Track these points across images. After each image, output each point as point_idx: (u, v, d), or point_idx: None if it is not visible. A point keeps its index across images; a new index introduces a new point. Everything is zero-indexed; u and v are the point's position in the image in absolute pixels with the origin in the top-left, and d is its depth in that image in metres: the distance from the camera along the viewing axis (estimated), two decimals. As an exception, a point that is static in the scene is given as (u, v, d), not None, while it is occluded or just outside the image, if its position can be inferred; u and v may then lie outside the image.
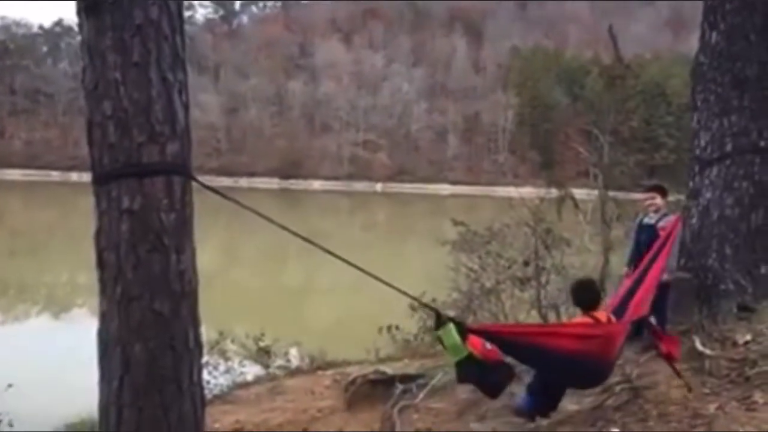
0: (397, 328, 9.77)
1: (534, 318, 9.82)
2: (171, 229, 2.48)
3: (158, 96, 2.44)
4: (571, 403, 4.62)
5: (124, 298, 2.45)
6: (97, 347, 2.55)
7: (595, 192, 13.78)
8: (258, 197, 47.37)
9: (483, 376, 3.82)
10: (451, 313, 5.90)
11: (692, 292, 5.48)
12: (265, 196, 59.44)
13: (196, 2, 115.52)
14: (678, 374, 4.49)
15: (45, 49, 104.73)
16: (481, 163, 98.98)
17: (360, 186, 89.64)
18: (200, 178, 2.61)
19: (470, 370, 3.70)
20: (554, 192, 12.58)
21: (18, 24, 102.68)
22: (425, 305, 4.18)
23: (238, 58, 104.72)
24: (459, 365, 3.69)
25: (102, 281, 2.51)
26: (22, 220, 47.65)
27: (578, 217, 13.03)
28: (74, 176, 75.73)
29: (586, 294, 4.41)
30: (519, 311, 10.20)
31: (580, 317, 4.38)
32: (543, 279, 10.27)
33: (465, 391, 5.48)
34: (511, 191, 18.00)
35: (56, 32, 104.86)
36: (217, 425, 6.15)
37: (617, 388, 4.58)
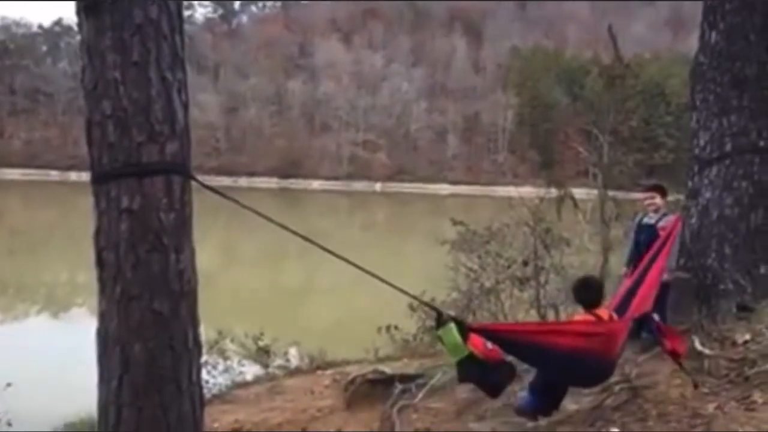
0: (396, 327, 9.78)
1: (533, 317, 9.82)
2: (170, 228, 2.48)
3: (157, 95, 2.44)
4: (570, 403, 4.62)
5: (124, 297, 2.45)
6: (96, 347, 2.55)
7: (595, 191, 13.80)
8: (257, 197, 47.33)
9: (484, 376, 3.80)
10: (451, 313, 5.91)
11: (691, 292, 5.48)
12: (265, 196, 59.44)
13: (195, 2, 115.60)
14: (684, 370, 4.49)
15: (44, 48, 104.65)
16: (480, 162, 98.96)
17: (359, 186, 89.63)
18: (200, 177, 2.61)
19: (471, 369, 3.68)
20: (554, 192, 12.59)
21: (17, 23, 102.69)
22: (426, 304, 4.18)
23: (238, 57, 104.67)
24: (460, 365, 3.68)
25: (101, 281, 2.51)
26: (21, 219, 47.64)
27: (577, 217, 13.05)
28: (73, 176, 75.70)
29: (588, 292, 4.39)
30: (518, 311, 10.21)
31: (582, 315, 4.36)
32: (542, 279, 10.28)
33: (464, 391, 5.48)
34: (511, 191, 17.99)
35: (56, 32, 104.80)
36: (216, 425, 6.15)
37: (616, 388, 4.58)
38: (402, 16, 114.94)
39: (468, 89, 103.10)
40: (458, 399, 5.56)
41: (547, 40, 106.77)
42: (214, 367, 9.07)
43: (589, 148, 15.75)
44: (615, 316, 4.36)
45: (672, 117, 73.66)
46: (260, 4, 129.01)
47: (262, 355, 9.44)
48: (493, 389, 4.09)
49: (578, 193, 13.49)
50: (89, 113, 2.47)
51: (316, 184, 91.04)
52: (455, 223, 10.85)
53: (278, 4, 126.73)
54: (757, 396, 4.04)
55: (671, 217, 5.78)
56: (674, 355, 4.48)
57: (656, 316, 4.65)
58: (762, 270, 5.46)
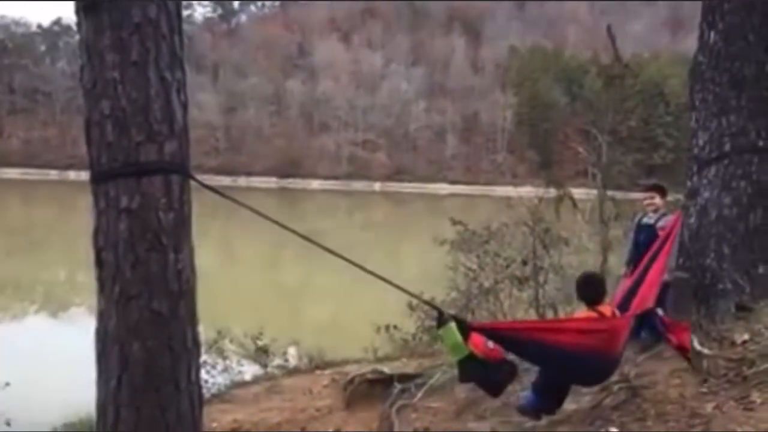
0: (395, 327, 9.78)
1: (532, 317, 9.83)
2: (169, 228, 2.47)
3: (156, 95, 2.44)
4: (569, 403, 4.62)
5: (122, 297, 2.45)
6: (94, 346, 2.55)
7: (594, 191, 13.80)
8: (256, 196, 47.35)
9: (485, 375, 3.77)
10: (452, 312, 5.91)
11: (690, 292, 5.48)
12: (264, 196, 59.45)
13: (194, 1, 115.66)
14: (691, 365, 4.49)
15: (43, 48, 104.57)
16: (479, 162, 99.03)
17: (358, 185, 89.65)
18: (199, 177, 2.61)
19: (472, 369, 3.66)
20: (553, 191, 12.60)
21: (16, 23, 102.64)
22: (427, 303, 4.16)
23: (237, 57, 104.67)
24: (461, 364, 3.66)
25: (100, 280, 2.50)
26: (20, 218, 47.61)
27: (576, 217, 13.05)
28: (72, 175, 75.69)
29: (591, 288, 4.36)
30: (517, 310, 10.21)
31: (584, 312, 4.34)
32: (541, 278, 10.29)
33: (463, 391, 5.48)
34: (510, 191, 18.03)
35: (55, 31, 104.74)
36: (215, 425, 6.14)
37: (615, 388, 4.58)
38: (401, 16, 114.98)
39: (467, 89, 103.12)
40: (457, 398, 5.56)
41: (546, 39, 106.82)
42: (213, 367, 9.07)
43: (588, 147, 15.75)
44: (618, 313, 4.35)
45: (671, 117, 73.79)
46: (259, 3, 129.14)
47: (261, 354, 9.44)
48: (495, 389, 4.07)
49: (577, 192, 13.50)
50: (88, 113, 2.47)
51: (315, 183, 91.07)
52: (454, 222, 10.86)
53: (277, 3, 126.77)
54: (756, 396, 4.04)
55: (670, 217, 5.79)
56: (681, 350, 4.46)
57: (660, 311, 4.64)
58: (761, 270, 5.46)
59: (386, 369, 6.64)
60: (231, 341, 10.10)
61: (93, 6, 2.41)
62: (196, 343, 2.62)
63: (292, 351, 10.40)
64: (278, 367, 9.07)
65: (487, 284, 10.43)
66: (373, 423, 5.86)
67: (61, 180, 78.34)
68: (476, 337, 3.56)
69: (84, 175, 2.64)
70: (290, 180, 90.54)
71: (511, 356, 3.88)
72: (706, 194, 5.65)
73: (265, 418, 6.33)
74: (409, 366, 6.84)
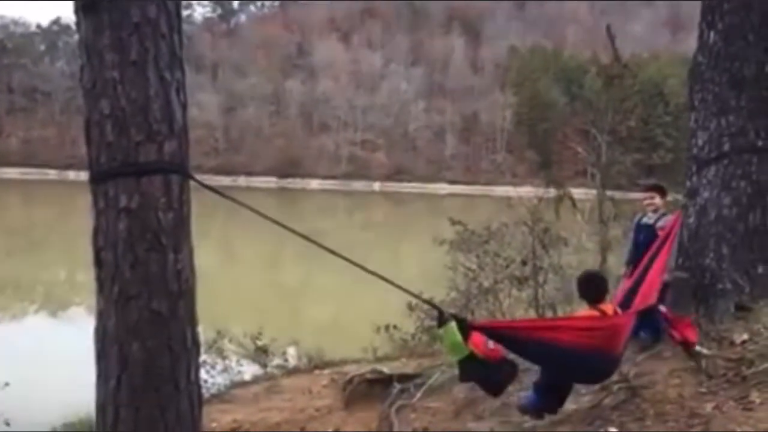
0: (394, 327, 9.79)
1: (531, 317, 9.83)
2: (168, 228, 2.47)
3: (156, 95, 2.44)
4: (568, 402, 4.62)
5: (122, 297, 2.45)
6: (94, 346, 2.54)
7: (593, 191, 13.82)
8: (256, 196, 47.33)
9: (486, 375, 3.76)
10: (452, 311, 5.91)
11: (689, 292, 5.48)
12: (263, 195, 59.43)
13: (194, 1, 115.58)
14: (695, 359, 4.48)
15: (42, 47, 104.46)
16: (479, 162, 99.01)
17: (358, 185, 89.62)
18: (198, 177, 2.61)
19: (473, 369, 3.65)
20: (552, 191, 12.61)
21: (16, 23, 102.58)
22: (427, 302, 4.14)
23: (236, 57, 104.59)
24: (461, 364, 3.65)
25: (99, 280, 2.50)
26: (19, 218, 47.59)
27: (576, 217, 13.07)
28: (72, 175, 75.64)
29: (593, 286, 4.34)
30: (516, 310, 10.22)
31: (586, 310, 4.33)
32: (541, 278, 10.30)
33: (462, 390, 5.48)
34: (509, 191, 18.03)
35: (54, 31, 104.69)
36: (214, 424, 6.14)
37: (615, 388, 4.58)
38: (400, 16, 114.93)
39: (466, 89, 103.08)
40: (456, 398, 5.56)
41: (545, 39, 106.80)
42: (213, 367, 9.08)
43: (588, 148, 15.76)
44: (619, 311, 4.34)
45: (670, 117, 73.78)
46: (259, 3, 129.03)
47: (260, 354, 9.44)
48: (495, 389, 4.05)
49: (577, 192, 13.52)
50: (87, 112, 2.47)
51: (314, 183, 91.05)
52: (454, 222, 10.86)
53: (276, 3, 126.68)
54: (755, 396, 4.04)
55: (670, 217, 5.79)
56: (686, 344, 4.45)
57: (662, 307, 4.64)
58: (760, 270, 5.46)
59: (385, 369, 6.64)
60: (230, 341, 10.10)
61: (92, 6, 2.41)
62: (196, 343, 2.62)
63: (291, 351, 10.40)
64: (278, 367, 9.07)
65: (486, 284, 10.43)
66: (372, 423, 5.86)
67: (60, 180, 78.31)
68: (476, 337, 3.55)
69: (83, 175, 2.64)
70: (290, 180, 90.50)
71: (511, 356, 3.87)
72: (706, 194, 5.65)
73: (264, 417, 6.33)
74: (408, 366, 6.84)
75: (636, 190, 7.16)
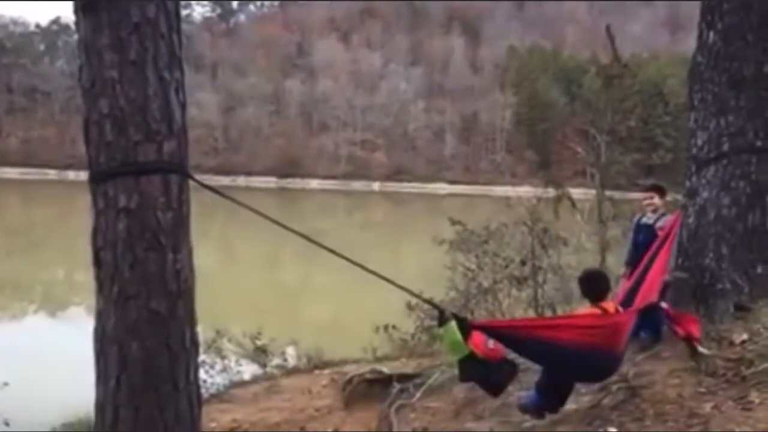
0: (394, 327, 9.78)
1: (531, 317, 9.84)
2: (168, 227, 2.47)
3: (155, 95, 2.44)
4: (568, 402, 4.61)
5: (121, 296, 2.45)
6: (93, 346, 2.54)
7: (592, 191, 13.83)
8: (255, 196, 47.33)
9: (486, 375, 3.73)
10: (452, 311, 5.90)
11: (689, 292, 5.48)
12: (263, 195, 59.41)
13: (193, 1, 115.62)
14: (700, 354, 4.48)
15: (42, 47, 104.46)
16: (478, 162, 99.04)
17: (357, 185, 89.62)
18: (197, 176, 2.61)
19: (473, 368, 3.63)
20: (551, 191, 12.62)
21: (15, 22, 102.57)
22: (428, 302, 4.14)
23: (236, 56, 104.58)
24: (461, 364, 3.63)
25: (98, 280, 2.50)
26: (19, 218, 47.56)
27: (575, 217, 13.08)
28: (71, 175, 75.60)
29: (594, 284, 4.32)
30: (516, 310, 10.22)
31: (587, 308, 4.32)
32: (540, 278, 10.30)
33: (462, 390, 5.48)
34: (509, 191, 18.06)
35: (53, 30, 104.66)
36: (213, 424, 6.14)
37: (614, 387, 4.58)
38: (400, 16, 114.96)
39: (466, 89, 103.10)
40: (456, 398, 5.56)
41: (544, 39, 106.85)
42: (212, 367, 9.07)
43: (587, 147, 15.77)
44: (621, 310, 4.33)
45: (670, 117, 73.79)
46: (258, 3, 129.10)
47: (259, 354, 9.43)
48: (495, 388, 4.04)
49: (576, 192, 13.53)
50: (87, 112, 2.47)
51: (314, 183, 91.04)
52: (453, 222, 10.86)
53: (276, 3, 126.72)
54: (754, 396, 4.04)
55: (669, 217, 5.79)
56: (690, 340, 4.43)
57: (664, 304, 4.63)
58: (759, 270, 5.46)
59: (385, 369, 6.63)
60: (230, 341, 10.09)
61: (91, 5, 2.41)
62: (195, 343, 2.62)
63: (290, 351, 10.39)
64: (277, 366, 9.06)
65: (485, 284, 10.44)
66: (371, 423, 5.85)
67: (59, 179, 78.27)
68: (477, 337, 3.54)
69: (83, 175, 2.64)
70: (289, 180, 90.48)
71: (511, 356, 3.87)
72: (705, 194, 5.65)
73: (263, 417, 6.33)
74: (407, 366, 6.84)
75: (635, 190, 7.17)
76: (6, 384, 7.84)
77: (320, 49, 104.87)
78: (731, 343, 4.71)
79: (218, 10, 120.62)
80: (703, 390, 4.30)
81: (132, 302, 2.44)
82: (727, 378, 4.33)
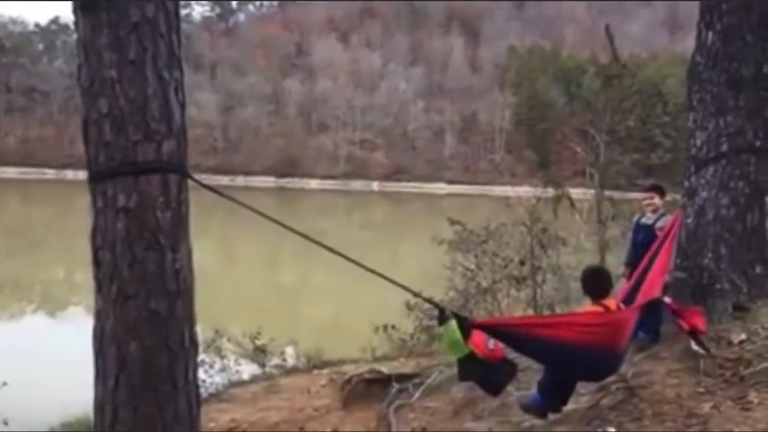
0: (393, 327, 9.78)
1: (530, 317, 9.84)
2: (167, 227, 2.47)
3: (154, 94, 2.44)
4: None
5: (120, 296, 2.44)
6: (92, 346, 2.54)
7: (592, 191, 13.83)
8: (254, 196, 47.30)
9: (485, 375, 3.71)
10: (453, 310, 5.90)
11: (688, 292, 5.49)
12: (262, 195, 59.39)
13: (193, 1, 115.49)
14: (704, 348, 4.48)
15: (41, 47, 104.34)
16: (478, 162, 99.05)
17: (357, 185, 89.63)
18: (196, 176, 2.61)
19: (472, 368, 3.62)
20: (551, 191, 12.61)
21: (14, 22, 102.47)
22: (428, 301, 4.13)
23: (235, 56, 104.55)
24: (460, 363, 3.62)
25: (97, 279, 2.50)
26: (17, 218, 47.54)
27: (574, 217, 13.08)
28: (70, 174, 75.59)
29: (596, 282, 4.30)
30: (515, 310, 10.23)
31: (589, 306, 4.30)
32: (539, 278, 10.31)
33: (461, 390, 5.48)
34: (508, 191, 18.03)
35: (52, 30, 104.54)
36: (212, 424, 6.14)
37: (613, 388, 4.59)
38: (399, 16, 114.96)
39: (465, 89, 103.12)
40: (455, 398, 5.56)
41: (544, 39, 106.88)
42: (211, 366, 9.07)
43: (586, 147, 15.77)
44: (622, 307, 4.32)
45: (669, 117, 73.74)
46: (257, 3, 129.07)
47: (258, 354, 9.43)
48: (494, 388, 4.03)
49: (575, 192, 13.52)
50: (86, 112, 2.46)
51: (313, 183, 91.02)
52: (452, 222, 10.87)
53: (275, 3, 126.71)
54: (753, 395, 4.05)
55: (669, 218, 5.79)
56: (695, 333, 4.43)
57: (667, 299, 4.62)
58: (758, 270, 5.47)
59: (384, 369, 6.64)
60: (229, 340, 10.09)
61: (91, 5, 2.41)
62: (194, 343, 2.62)
63: (289, 350, 10.39)
64: (276, 366, 9.06)
65: (485, 284, 10.45)
66: (370, 422, 5.86)
67: (58, 179, 78.25)
68: (477, 337, 3.53)
69: (81, 175, 2.63)
70: (288, 179, 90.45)
71: (511, 356, 3.86)
72: (704, 194, 5.65)
73: (263, 417, 6.33)
74: (406, 366, 6.84)
75: (635, 190, 7.17)
76: (5, 384, 7.83)
77: (319, 49, 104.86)
78: (730, 343, 4.71)
79: (217, 10, 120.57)
80: (701, 390, 4.30)
81: (131, 302, 2.44)
82: (726, 378, 4.33)
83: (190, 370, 2.59)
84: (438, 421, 5.39)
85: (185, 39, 2.94)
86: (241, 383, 7.83)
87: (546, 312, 9.89)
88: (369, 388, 6.38)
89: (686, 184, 5.88)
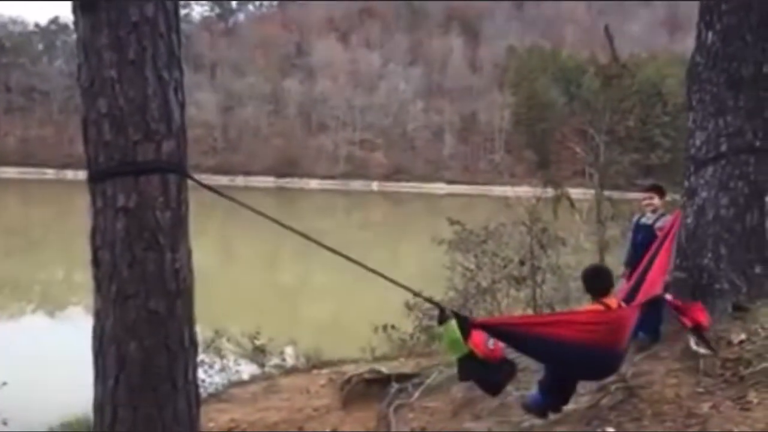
0: (392, 327, 9.79)
1: (530, 317, 9.83)
2: (166, 227, 2.47)
3: (154, 94, 2.44)
4: (566, 402, 4.63)
5: (120, 296, 2.44)
6: (91, 345, 2.54)
7: (591, 191, 13.84)
8: (254, 196, 47.30)
9: (485, 375, 3.70)
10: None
11: (687, 292, 5.49)
12: (262, 195, 59.38)
13: (192, 1, 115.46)
14: (707, 343, 4.48)
15: (41, 46, 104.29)
16: (477, 162, 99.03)
17: (356, 185, 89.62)
18: (196, 176, 2.60)
19: (472, 368, 3.60)
20: (550, 191, 12.62)
21: (14, 22, 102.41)
22: (428, 300, 4.13)
23: (235, 56, 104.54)
24: (460, 362, 3.60)
25: (97, 279, 2.50)
26: (17, 217, 47.52)
27: (574, 217, 13.08)
28: (69, 174, 75.55)
29: (598, 281, 4.30)
30: (515, 310, 10.23)
31: (590, 304, 4.30)
32: (539, 278, 10.31)
33: (460, 390, 5.48)
34: (508, 191, 18.03)
35: (52, 30, 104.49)
36: (212, 424, 6.14)
37: (612, 388, 4.59)
38: (399, 16, 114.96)
39: (465, 89, 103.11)
40: (454, 398, 5.56)
41: (543, 39, 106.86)
42: (211, 366, 9.07)
43: (586, 147, 15.78)
44: (623, 305, 4.31)
45: (668, 117, 73.70)
46: (257, 3, 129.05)
47: (258, 354, 9.44)
48: (494, 388, 4.02)
49: (575, 192, 13.53)
50: (85, 111, 2.46)
51: (313, 183, 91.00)
52: (452, 222, 10.87)
53: (275, 3, 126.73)
54: (753, 396, 4.05)
55: (669, 218, 5.79)
56: (698, 328, 4.43)
57: (668, 296, 4.62)
58: (757, 270, 5.47)
59: (383, 368, 6.64)
60: (228, 340, 10.09)
61: (90, 5, 2.41)
62: (193, 343, 2.62)
63: (289, 350, 10.39)
64: (275, 366, 9.06)
65: (484, 284, 10.45)
66: (370, 422, 5.86)
67: (58, 179, 78.22)
68: (477, 337, 3.52)
69: (81, 174, 2.64)
70: (288, 179, 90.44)
71: (511, 355, 3.85)
72: (704, 194, 5.66)
73: (262, 417, 6.33)
74: (406, 366, 6.84)
75: (634, 190, 7.17)
76: (4, 383, 7.83)
77: (319, 49, 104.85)
78: (729, 343, 4.71)
79: (217, 10, 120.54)
80: (701, 390, 4.31)
81: (131, 302, 2.44)
82: (725, 378, 4.34)
83: (189, 370, 2.59)
84: (437, 421, 5.39)
85: (185, 39, 2.94)
86: (241, 383, 7.84)
87: (546, 311, 9.89)
88: (368, 388, 6.38)
89: (686, 184, 5.89)
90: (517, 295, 10.55)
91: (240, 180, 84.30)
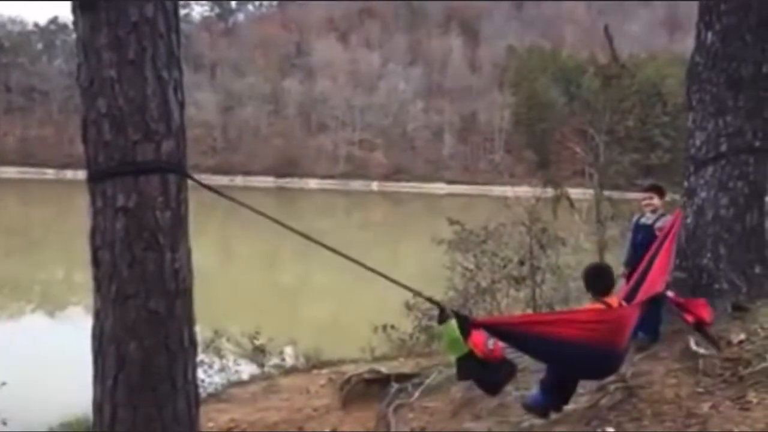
0: (392, 327, 9.79)
1: (529, 317, 9.83)
2: (166, 227, 2.47)
3: (153, 94, 2.44)
4: (565, 403, 4.62)
5: (119, 296, 2.44)
6: (91, 345, 2.54)
7: (591, 191, 13.84)
8: (254, 196, 47.26)
9: (484, 374, 3.69)
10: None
11: (687, 292, 5.49)
12: (261, 195, 59.37)
13: (192, 0, 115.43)
14: (710, 339, 4.48)
15: (40, 46, 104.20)
16: (477, 162, 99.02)
17: (356, 185, 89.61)
18: (196, 176, 2.60)
19: (471, 367, 3.59)
20: (550, 191, 12.62)
21: (13, 21, 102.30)
22: (429, 299, 4.13)
23: (234, 56, 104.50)
24: (459, 362, 3.59)
25: (97, 279, 2.50)
26: (17, 217, 47.51)
27: (574, 217, 13.09)
28: (69, 174, 75.52)
29: (599, 279, 4.29)
30: (514, 310, 10.24)
31: (591, 303, 4.29)
32: (538, 278, 10.32)
33: (460, 390, 5.48)
34: (507, 191, 18.04)
35: (51, 30, 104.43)
36: (211, 424, 6.14)
37: (612, 387, 4.59)
38: (398, 16, 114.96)
39: (464, 89, 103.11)
40: (454, 398, 5.56)
41: (543, 39, 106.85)
42: (210, 366, 9.08)
43: (586, 148, 15.78)
44: (624, 304, 4.31)
45: (668, 117, 73.72)
46: (257, 3, 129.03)
47: (257, 354, 9.44)
48: (493, 388, 4.02)
49: (574, 192, 13.53)
50: (85, 111, 2.46)
51: (312, 183, 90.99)
52: (452, 222, 10.87)
53: (275, 3, 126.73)
54: (752, 396, 4.05)
55: (669, 218, 5.78)
56: (701, 324, 4.42)
57: (670, 293, 4.61)
58: (757, 270, 5.48)
59: (383, 369, 6.64)
60: (228, 340, 10.10)
61: (90, 4, 2.41)
62: (193, 343, 2.62)
63: (288, 350, 10.40)
64: (275, 366, 9.06)
65: (484, 284, 10.45)
66: (369, 422, 5.86)
67: (57, 179, 78.21)
68: (476, 337, 3.51)
69: (81, 174, 2.63)
70: (288, 179, 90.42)
71: (511, 355, 3.84)
72: (703, 194, 5.66)
73: (262, 417, 6.33)
74: (406, 366, 6.85)
75: (634, 190, 7.16)
76: (4, 383, 7.83)
77: (319, 49, 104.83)
78: (729, 343, 4.71)
79: (217, 10, 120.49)
80: (700, 390, 4.31)
81: (130, 302, 2.44)
82: (725, 378, 4.34)
83: (189, 370, 2.59)
84: (437, 421, 5.39)
85: (184, 39, 2.94)
86: (240, 383, 7.84)
87: (545, 311, 9.90)
88: (368, 388, 6.39)
89: (685, 184, 5.89)
90: (517, 295, 10.55)
91: (240, 180, 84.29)
